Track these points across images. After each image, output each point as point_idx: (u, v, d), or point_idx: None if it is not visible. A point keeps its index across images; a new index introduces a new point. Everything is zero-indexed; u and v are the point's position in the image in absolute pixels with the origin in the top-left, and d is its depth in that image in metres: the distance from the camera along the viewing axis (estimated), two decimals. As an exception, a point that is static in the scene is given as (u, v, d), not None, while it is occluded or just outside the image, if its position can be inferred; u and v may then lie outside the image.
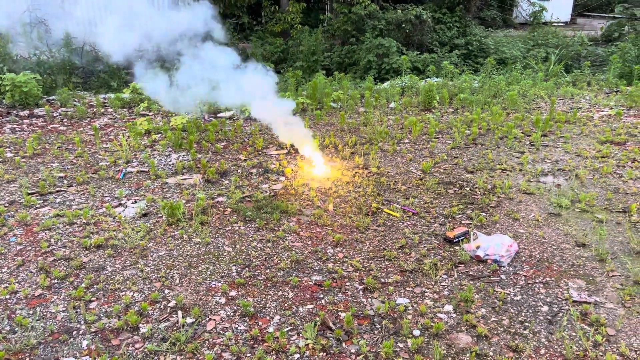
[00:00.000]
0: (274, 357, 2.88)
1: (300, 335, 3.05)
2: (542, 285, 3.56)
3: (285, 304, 3.35)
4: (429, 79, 9.98)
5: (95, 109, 8.11)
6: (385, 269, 3.76)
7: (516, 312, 3.28)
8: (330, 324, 3.13)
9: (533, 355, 2.90)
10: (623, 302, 3.38)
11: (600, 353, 2.91)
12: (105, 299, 3.38)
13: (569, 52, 12.39)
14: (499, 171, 5.61)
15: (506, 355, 2.89)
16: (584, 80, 10.09)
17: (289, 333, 3.07)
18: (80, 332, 3.07)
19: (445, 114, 7.96)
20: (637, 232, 4.28)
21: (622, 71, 10.16)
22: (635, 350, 2.94)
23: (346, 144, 6.48)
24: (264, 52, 12.27)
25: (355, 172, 5.57)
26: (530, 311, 3.29)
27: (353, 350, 2.93)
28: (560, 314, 3.25)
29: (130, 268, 3.75)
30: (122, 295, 3.41)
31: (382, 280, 3.62)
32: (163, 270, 3.71)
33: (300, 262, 3.84)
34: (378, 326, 3.14)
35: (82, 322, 3.15)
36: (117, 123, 7.51)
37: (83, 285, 3.52)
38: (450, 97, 8.76)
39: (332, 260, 3.89)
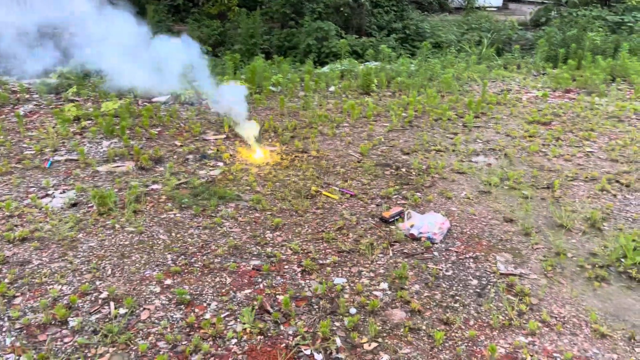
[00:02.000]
0: (211, 343, 2.85)
1: (238, 320, 3.04)
2: (472, 260, 3.72)
3: (223, 290, 3.32)
4: (367, 63, 10.07)
5: (18, 95, 7.63)
6: (323, 251, 3.80)
7: (448, 287, 3.41)
8: (268, 307, 3.14)
9: (463, 327, 3.03)
10: (545, 272, 3.59)
11: (524, 321, 3.08)
12: (31, 294, 3.22)
13: (501, 36, 12.84)
14: (434, 152, 5.77)
15: (438, 328, 3.00)
16: (514, 64, 10.51)
17: (226, 319, 3.05)
18: (4, 330, 2.91)
19: (383, 97, 8.08)
20: (559, 206, 4.54)
21: (549, 54, 10.66)
22: (555, 317, 3.14)
23: (286, 128, 6.45)
24: (200, 35, 11.93)
25: (295, 156, 5.57)
26: (461, 285, 3.43)
27: (290, 332, 2.96)
28: (489, 287, 3.41)
29: (58, 260, 3.58)
30: (50, 289, 3.26)
31: (321, 261, 3.66)
32: (94, 262, 3.57)
33: (238, 248, 3.81)
34: (316, 307, 3.18)
35: (6, 319, 2.99)
36: (44, 110, 7.10)
37: (6, 280, 3.33)
38: (388, 80, 8.88)
39: (271, 244, 3.88)
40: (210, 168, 5.24)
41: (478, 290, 3.37)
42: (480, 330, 3.01)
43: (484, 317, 3.12)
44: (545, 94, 8.00)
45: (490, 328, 3.03)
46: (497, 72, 9.65)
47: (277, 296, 3.27)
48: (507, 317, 3.11)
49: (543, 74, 9.74)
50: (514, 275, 3.54)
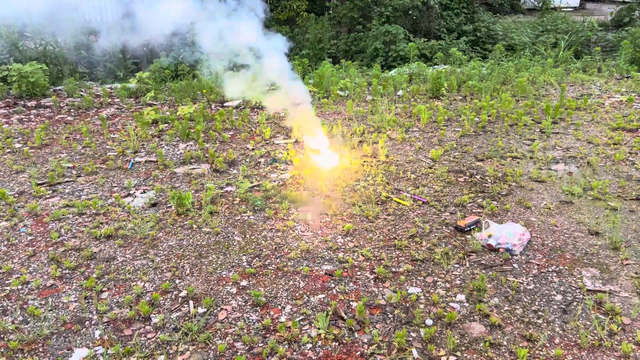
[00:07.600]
0: (287, 347, 2.87)
1: (312, 325, 3.03)
2: (555, 274, 3.53)
3: (297, 294, 3.33)
4: (436, 66, 9.88)
5: (102, 99, 8.09)
6: (396, 258, 3.74)
7: (529, 301, 3.25)
8: (342, 314, 3.12)
9: (547, 345, 2.87)
10: (638, 290, 3.34)
11: (616, 342, 2.88)
12: (117, 289, 3.38)
13: (579, 37, 12.21)
14: (510, 159, 5.55)
15: (520, 345, 2.86)
16: (594, 66, 9.95)
17: (301, 323, 3.06)
18: (93, 322, 3.07)
19: (453, 102, 7.89)
20: (651, 220, 4.22)
21: (633, 57, 10.00)
22: (651, 340, 2.91)
23: (354, 132, 6.43)
24: (269, 41, 12.17)
25: (364, 161, 5.53)
26: (544, 300, 3.25)
27: (365, 340, 2.92)
28: (575, 303, 3.22)
29: (140, 258, 3.74)
30: (133, 285, 3.41)
31: (393, 269, 3.60)
32: (173, 260, 3.70)
33: (310, 252, 3.82)
34: (390, 316, 3.13)
35: (94, 312, 3.15)
36: (124, 113, 7.49)
37: (94, 275, 3.52)
38: (459, 84, 8.67)
39: (342, 249, 3.87)
40: (281, 171, 5.31)
41: (563, 307, 3.19)
42: (567, 349, 2.83)
43: (570, 336, 2.94)
44: (631, 99, 7.50)
45: (578, 348, 2.85)
46: (576, 75, 9.18)
47: (351, 302, 3.24)
48: (596, 337, 2.92)
49: (627, 78, 9.15)
50: (603, 292, 3.32)
